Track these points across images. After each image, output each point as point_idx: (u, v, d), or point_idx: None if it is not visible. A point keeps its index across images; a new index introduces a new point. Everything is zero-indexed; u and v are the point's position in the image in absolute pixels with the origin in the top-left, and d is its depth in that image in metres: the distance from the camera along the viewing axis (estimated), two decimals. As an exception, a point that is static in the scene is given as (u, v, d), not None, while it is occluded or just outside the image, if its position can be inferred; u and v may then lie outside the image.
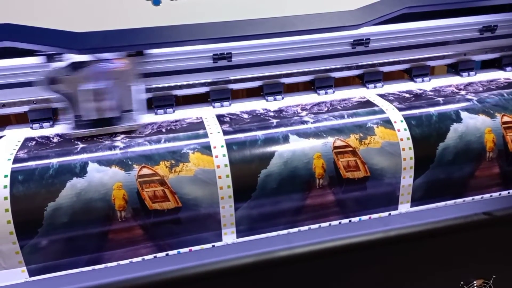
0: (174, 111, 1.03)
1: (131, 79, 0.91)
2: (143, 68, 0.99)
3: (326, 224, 0.91)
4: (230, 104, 1.06)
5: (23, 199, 0.78)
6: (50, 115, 0.99)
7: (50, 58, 0.88)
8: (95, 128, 0.90)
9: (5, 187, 0.78)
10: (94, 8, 0.92)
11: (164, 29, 0.96)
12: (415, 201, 0.94)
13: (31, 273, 0.82)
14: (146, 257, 0.85)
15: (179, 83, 1.04)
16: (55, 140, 0.91)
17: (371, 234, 0.89)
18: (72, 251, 0.81)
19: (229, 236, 0.88)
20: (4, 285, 0.81)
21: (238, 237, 0.88)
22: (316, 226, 0.91)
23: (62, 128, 0.93)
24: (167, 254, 0.86)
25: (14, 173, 0.80)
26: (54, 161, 0.82)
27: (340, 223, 0.91)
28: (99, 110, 0.88)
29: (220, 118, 0.97)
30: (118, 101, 0.90)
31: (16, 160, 0.82)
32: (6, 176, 0.79)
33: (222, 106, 1.05)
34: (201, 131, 0.90)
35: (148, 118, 1.00)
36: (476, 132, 0.94)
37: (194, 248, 0.87)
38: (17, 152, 0.85)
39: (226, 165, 0.84)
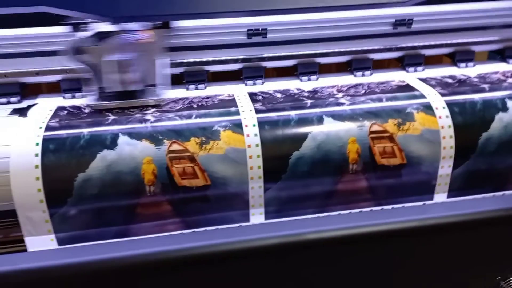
0: (205, 87, 1.01)
1: (156, 52, 0.89)
2: (173, 41, 0.97)
3: (357, 210, 0.88)
4: (262, 83, 1.03)
5: (54, 168, 0.78)
6: (82, 85, 0.98)
7: (76, 27, 0.87)
8: (118, 100, 0.88)
9: (36, 155, 0.78)
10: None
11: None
12: (452, 192, 0.90)
13: (60, 242, 0.82)
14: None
15: (211, 59, 1.02)
16: (86, 110, 0.91)
17: (405, 222, 0.86)
18: (100, 223, 0.81)
19: (257, 217, 0.86)
20: (34, 250, 0.82)
21: (266, 218, 0.86)
22: (346, 212, 0.88)
23: (86, 99, 0.92)
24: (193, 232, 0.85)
25: (45, 142, 0.80)
26: (85, 132, 0.82)
27: (371, 210, 0.88)
28: (123, 83, 0.86)
29: (253, 96, 0.94)
30: (142, 74, 0.88)
31: (48, 129, 0.82)
32: (37, 144, 0.79)
33: (254, 84, 1.03)
34: (233, 109, 0.88)
35: (179, 93, 0.99)
36: (523, 123, 0.89)
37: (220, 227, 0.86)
38: (49, 120, 0.85)
39: (257, 145, 0.82)
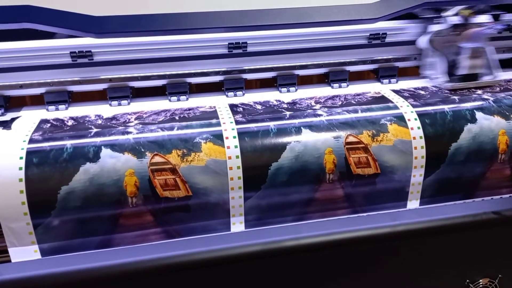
0: (187, 99, 1.04)
1: (486, 40, 1.04)
2: (156, 54, 1.00)
3: (334, 218, 0.91)
4: (243, 94, 1.06)
5: (37, 181, 0.79)
6: (66, 98, 1.00)
7: (429, 20, 1.04)
8: (464, 82, 1.03)
9: (20, 168, 0.80)
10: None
11: (181, 16, 0.96)
12: (424, 199, 0.94)
13: (43, 253, 0.84)
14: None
15: (193, 71, 1.04)
16: (69, 123, 0.92)
17: (378, 228, 0.90)
18: (83, 235, 0.83)
19: (237, 226, 0.89)
20: (18, 261, 0.83)
21: (246, 227, 0.89)
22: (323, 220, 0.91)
23: (430, 81, 1.07)
24: (176, 241, 0.87)
25: (29, 155, 0.81)
26: (68, 145, 0.83)
27: (347, 217, 0.91)
28: (471, 67, 1.02)
29: (233, 108, 0.97)
30: (484, 59, 1.03)
31: (32, 142, 0.84)
32: (21, 158, 0.81)
33: (235, 95, 1.05)
34: (214, 121, 0.91)
35: (162, 104, 1.01)
36: (490, 133, 0.93)
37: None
38: (32, 134, 0.86)
39: (237, 156, 0.85)
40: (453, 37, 1.02)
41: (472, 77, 1.03)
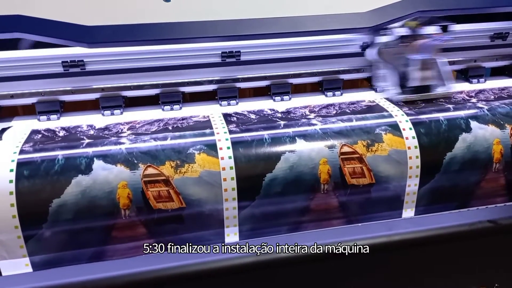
0: (181, 108, 1.03)
1: (438, 52, 1.04)
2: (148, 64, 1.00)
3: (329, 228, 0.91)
4: (237, 103, 1.05)
5: (28, 194, 0.78)
6: (57, 108, 0.98)
7: (376, 32, 1.02)
8: (416, 94, 1.01)
9: (10, 181, 0.78)
10: (105, 3, 0.91)
11: (174, 25, 0.96)
12: (419, 209, 0.94)
13: (35, 266, 0.82)
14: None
15: (186, 80, 1.04)
16: (60, 134, 0.91)
17: (374, 238, 0.89)
18: (75, 248, 0.82)
19: (231, 237, 0.88)
20: (8, 274, 0.82)
21: (240, 238, 0.88)
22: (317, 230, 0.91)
23: (383, 94, 1.06)
24: (169, 253, 0.86)
25: (19, 167, 0.80)
26: (60, 156, 0.82)
27: (342, 228, 0.91)
28: (423, 78, 1.01)
29: (227, 117, 0.96)
30: (435, 71, 1.02)
31: (22, 153, 0.82)
32: (11, 170, 0.79)
33: (229, 104, 1.05)
34: (207, 131, 0.90)
35: (155, 114, 1.00)
36: (485, 143, 0.93)
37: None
38: (23, 145, 0.85)
39: (231, 167, 0.84)
40: (401, 49, 1.02)
41: (424, 88, 1.02)
